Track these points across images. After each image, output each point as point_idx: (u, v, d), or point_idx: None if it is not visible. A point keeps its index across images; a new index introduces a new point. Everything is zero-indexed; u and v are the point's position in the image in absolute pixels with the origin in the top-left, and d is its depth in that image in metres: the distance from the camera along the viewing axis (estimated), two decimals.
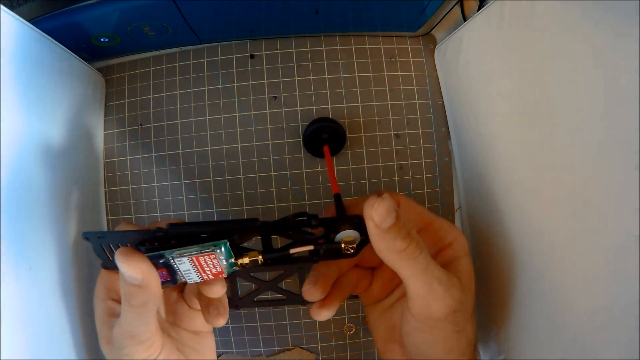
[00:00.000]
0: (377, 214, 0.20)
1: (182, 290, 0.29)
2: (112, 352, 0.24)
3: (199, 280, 0.22)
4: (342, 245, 0.22)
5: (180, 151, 0.37)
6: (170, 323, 0.28)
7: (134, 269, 0.20)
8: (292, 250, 0.23)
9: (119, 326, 0.23)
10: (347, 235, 0.22)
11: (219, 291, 0.24)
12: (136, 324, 0.22)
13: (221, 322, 0.25)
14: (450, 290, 0.22)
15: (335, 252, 0.23)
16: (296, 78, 0.37)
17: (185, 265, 0.21)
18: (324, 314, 0.25)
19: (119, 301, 0.26)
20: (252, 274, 0.36)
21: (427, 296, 0.22)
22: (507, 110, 0.28)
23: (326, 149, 0.33)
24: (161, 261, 0.21)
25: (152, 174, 0.37)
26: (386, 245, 0.21)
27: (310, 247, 0.23)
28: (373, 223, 0.20)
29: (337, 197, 0.27)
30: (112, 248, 0.22)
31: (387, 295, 0.28)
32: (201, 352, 0.28)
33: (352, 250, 0.23)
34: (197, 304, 0.27)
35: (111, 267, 0.23)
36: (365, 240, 0.22)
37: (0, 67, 0.22)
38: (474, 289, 0.26)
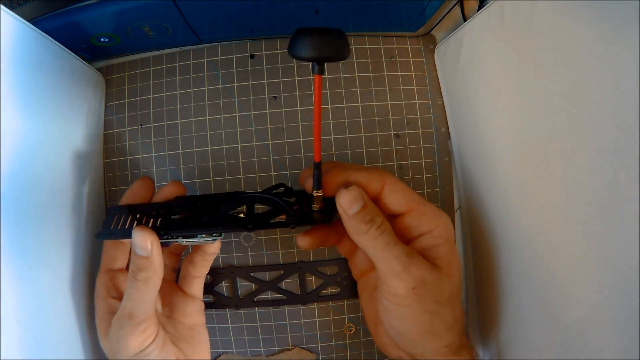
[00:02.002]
0: (344, 202, 0.24)
1: (176, 280, 0.31)
2: (110, 342, 0.26)
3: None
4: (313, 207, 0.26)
5: (180, 151, 0.37)
6: (167, 316, 0.30)
7: (145, 240, 0.24)
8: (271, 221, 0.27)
9: (120, 308, 0.25)
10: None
11: (217, 246, 0.29)
12: (137, 301, 0.25)
13: (216, 246, 0.29)
14: (409, 267, 0.24)
15: (309, 218, 0.26)
16: (296, 78, 0.37)
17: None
18: (305, 241, 0.28)
19: (118, 298, 0.28)
20: (252, 274, 0.36)
21: (386, 271, 0.24)
22: (507, 110, 0.28)
23: (317, 88, 0.22)
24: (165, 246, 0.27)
25: (152, 174, 0.37)
26: (352, 228, 0.25)
27: (283, 218, 0.26)
28: (342, 209, 0.24)
29: (318, 166, 0.24)
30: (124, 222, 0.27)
31: (373, 269, 0.29)
32: (195, 345, 0.30)
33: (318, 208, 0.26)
34: (190, 288, 0.30)
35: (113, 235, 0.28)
36: (333, 207, 0.26)
37: (0, 67, 0.22)
38: (457, 275, 0.26)
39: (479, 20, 0.29)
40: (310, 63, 0.21)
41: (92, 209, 0.34)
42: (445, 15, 0.35)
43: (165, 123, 0.37)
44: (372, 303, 0.29)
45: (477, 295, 0.35)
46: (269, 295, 0.37)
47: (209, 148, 0.37)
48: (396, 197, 0.26)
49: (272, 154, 0.36)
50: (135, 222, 0.26)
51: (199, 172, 0.36)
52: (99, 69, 0.37)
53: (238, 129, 0.37)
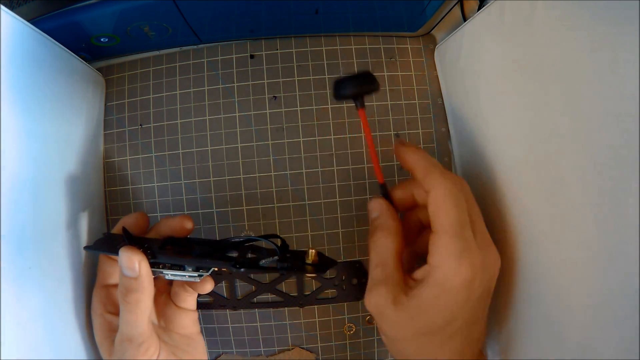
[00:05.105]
0: None
1: (169, 292, 0.31)
2: None
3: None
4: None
5: (180, 151, 0.37)
6: (163, 328, 0.30)
7: (131, 261, 0.24)
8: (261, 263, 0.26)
9: (118, 333, 0.25)
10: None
11: (210, 288, 0.29)
12: (132, 324, 0.25)
13: (208, 286, 0.29)
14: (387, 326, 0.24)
15: (300, 268, 0.26)
16: (296, 78, 0.37)
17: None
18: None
19: (115, 313, 0.28)
20: (250, 275, 0.36)
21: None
22: (506, 110, 0.28)
23: (364, 120, 0.28)
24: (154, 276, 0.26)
25: (152, 174, 0.37)
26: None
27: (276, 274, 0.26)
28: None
29: (383, 187, 0.28)
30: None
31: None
32: (193, 353, 0.30)
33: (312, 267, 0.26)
34: (183, 302, 0.30)
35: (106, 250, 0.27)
36: (324, 265, 0.26)
37: (0, 67, 0.22)
38: (422, 319, 0.23)
39: (479, 20, 0.29)
40: (353, 100, 0.27)
41: (91, 209, 0.33)
42: (445, 15, 0.35)
43: (165, 123, 0.37)
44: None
45: None
46: (269, 296, 0.37)
47: (209, 148, 0.37)
48: (431, 211, 0.24)
49: (272, 154, 0.36)
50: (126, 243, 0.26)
51: (199, 172, 0.36)
52: (99, 69, 0.37)
53: (238, 129, 0.37)
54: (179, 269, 0.26)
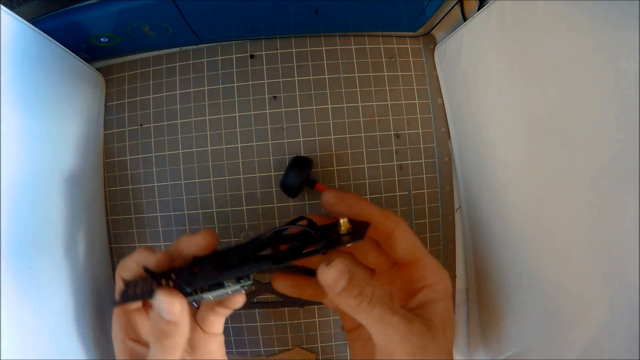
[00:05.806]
0: (328, 281, 0.22)
1: (194, 315, 0.29)
2: None
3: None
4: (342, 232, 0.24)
5: (180, 151, 0.37)
6: (188, 353, 0.28)
7: (172, 305, 0.22)
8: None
9: None
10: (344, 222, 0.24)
11: (242, 301, 0.27)
12: None
13: (240, 300, 0.27)
14: (408, 337, 0.23)
15: (338, 241, 0.24)
16: (296, 78, 0.37)
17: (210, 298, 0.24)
18: (282, 284, 0.28)
19: (138, 341, 0.27)
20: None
21: (386, 343, 0.23)
22: (507, 110, 0.28)
23: (319, 187, 0.34)
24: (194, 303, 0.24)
25: (152, 174, 0.37)
26: (342, 304, 0.23)
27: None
28: (327, 287, 0.22)
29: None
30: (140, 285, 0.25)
31: None
32: None
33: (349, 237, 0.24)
34: (210, 327, 0.28)
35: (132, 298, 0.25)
36: (360, 230, 0.24)
37: (0, 67, 0.22)
38: (450, 332, 0.25)
39: (479, 20, 0.29)
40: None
41: (91, 209, 0.33)
42: (445, 15, 0.35)
43: (165, 123, 0.37)
44: (367, 352, 0.27)
45: (478, 295, 0.35)
46: (269, 296, 0.37)
47: (209, 148, 0.37)
48: (405, 245, 0.26)
49: (272, 154, 0.36)
50: (155, 283, 0.23)
51: (199, 172, 0.36)
52: (99, 69, 0.37)
53: (238, 129, 0.37)
54: (219, 287, 0.24)
